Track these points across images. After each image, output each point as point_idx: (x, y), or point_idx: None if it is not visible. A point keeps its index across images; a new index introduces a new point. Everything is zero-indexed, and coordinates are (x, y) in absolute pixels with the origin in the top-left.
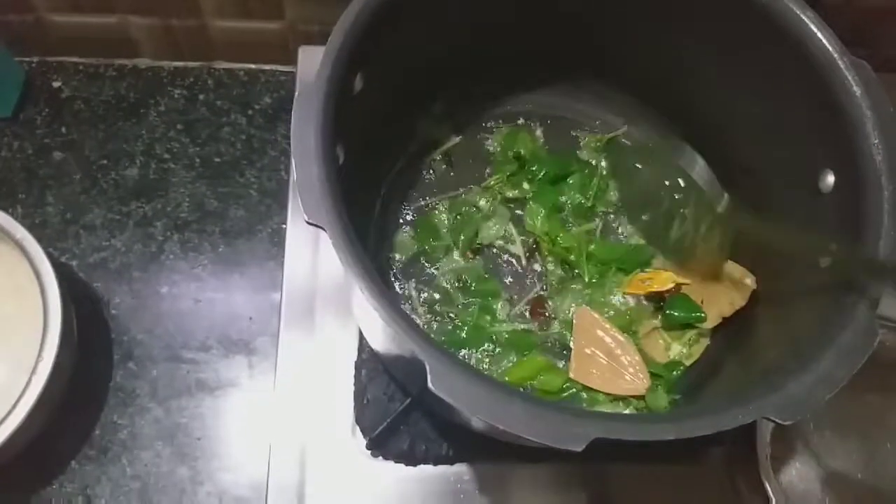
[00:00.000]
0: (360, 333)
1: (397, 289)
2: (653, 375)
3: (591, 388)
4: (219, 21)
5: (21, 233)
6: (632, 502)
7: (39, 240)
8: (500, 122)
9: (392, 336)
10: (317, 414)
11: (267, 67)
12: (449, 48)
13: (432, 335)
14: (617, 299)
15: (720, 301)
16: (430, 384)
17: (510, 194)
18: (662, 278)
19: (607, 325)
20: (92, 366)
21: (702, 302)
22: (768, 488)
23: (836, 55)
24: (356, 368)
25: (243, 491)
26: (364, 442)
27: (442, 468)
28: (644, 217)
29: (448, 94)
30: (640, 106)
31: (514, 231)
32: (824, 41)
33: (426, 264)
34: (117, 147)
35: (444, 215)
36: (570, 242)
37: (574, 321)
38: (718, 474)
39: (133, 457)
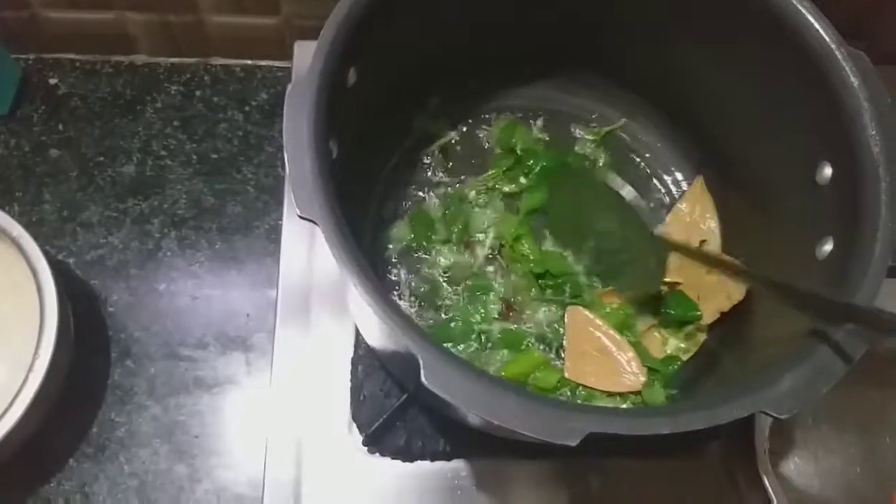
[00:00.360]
0: (356, 329)
1: (391, 279)
2: (649, 371)
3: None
4: (215, 17)
5: (17, 230)
6: (629, 498)
7: (36, 237)
8: (497, 115)
9: (386, 331)
10: (313, 410)
11: (263, 63)
12: (444, 43)
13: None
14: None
15: (717, 296)
16: (423, 379)
17: (506, 189)
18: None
19: (600, 323)
20: (89, 363)
21: (698, 298)
22: (766, 483)
23: (833, 46)
24: (352, 364)
25: (242, 488)
26: (360, 438)
27: (439, 464)
28: (579, 242)
29: (444, 88)
30: (637, 100)
31: (491, 227)
32: (821, 32)
33: (420, 256)
34: (114, 144)
35: (439, 209)
36: (534, 253)
37: (566, 320)
38: (716, 469)
39: (131, 455)
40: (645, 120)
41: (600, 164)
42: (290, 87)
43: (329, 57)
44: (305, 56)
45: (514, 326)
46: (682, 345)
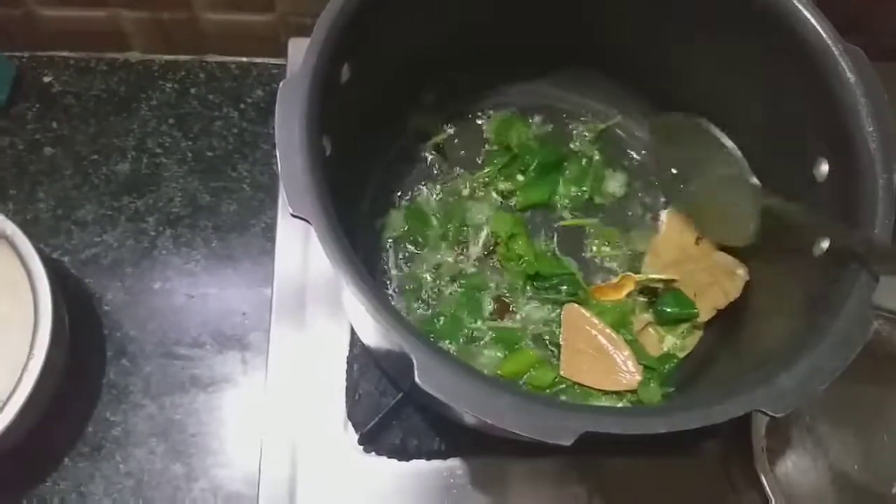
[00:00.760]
0: (352, 328)
1: (384, 273)
2: (646, 369)
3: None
4: (210, 14)
5: (11, 229)
6: (626, 496)
7: (31, 236)
8: (493, 112)
9: (379, 330)
10: (308, 409)
11: (259, 60)
12: (439, 40)
13: (413, 322)
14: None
15: (713, 294)
16: (417, 379)
17: (502, 186)
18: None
19: (595, 321)
20: (85, 362)
21: (694, 295)
22: (764, 481)
23: (830, 42)
24: (348, 363)
25: (238, 487)
26: (356, 437)
27: (435, 463)
28: (688, 187)
29: (439, 85)
30: (633, 95)
31: (486, 224)
32: (819, 28)
33: (414, 251)
34: (108, 142)
35: (435, 205)
36: (528, 253)
37: (562, 317)
38: (714, 467)
39: (127, 454)
40: (641, 116)
41: (595, 159)
42: (282, 84)
43: (322, 53)
44: (300, 53)
45: (507, 325)
46: (679, 342)
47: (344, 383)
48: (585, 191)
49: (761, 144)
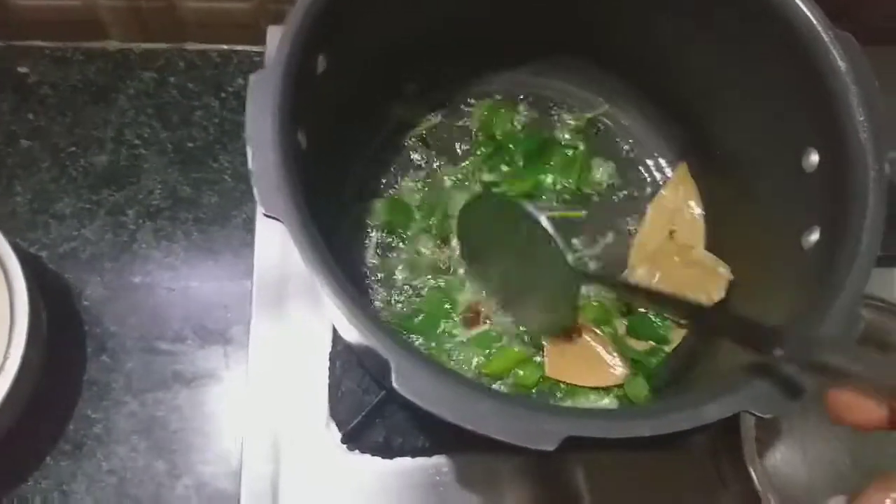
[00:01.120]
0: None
1: (365, 267)
2: (632, 363)
3: None
4: (188, 1)
5: None
6: (614, 489)
7: (7, 231)
8: (478, 101)
9: (356, 333)
10: (290, 407)
11: (239, 48)
12: (420, 28)
13: (392, 318)
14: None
15: (696, 294)
16: (394, 383)
17: (487, 178)
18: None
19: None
20: (64, 359)
21: (675, 295)
22: (753, 474)
23: (820, 28)
24: (330, 360)
25: (223, 484)
26: (339, 435)
27: (420, 460)
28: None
29: (421, 74)
30: (620, 84)
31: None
32: (808, 13)
33: (395, 244)
34: (86, 133)
35: (418, 197)
36: None
37: None
38: (702, 460)
39: (109, 451)
40: (628, 105)
41: (581, 149)
42: (253, 76)
43: (296, 43)
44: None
45: (483, 328)
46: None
47: (326, 380)
48: (572, 182)
49: (748, 133)
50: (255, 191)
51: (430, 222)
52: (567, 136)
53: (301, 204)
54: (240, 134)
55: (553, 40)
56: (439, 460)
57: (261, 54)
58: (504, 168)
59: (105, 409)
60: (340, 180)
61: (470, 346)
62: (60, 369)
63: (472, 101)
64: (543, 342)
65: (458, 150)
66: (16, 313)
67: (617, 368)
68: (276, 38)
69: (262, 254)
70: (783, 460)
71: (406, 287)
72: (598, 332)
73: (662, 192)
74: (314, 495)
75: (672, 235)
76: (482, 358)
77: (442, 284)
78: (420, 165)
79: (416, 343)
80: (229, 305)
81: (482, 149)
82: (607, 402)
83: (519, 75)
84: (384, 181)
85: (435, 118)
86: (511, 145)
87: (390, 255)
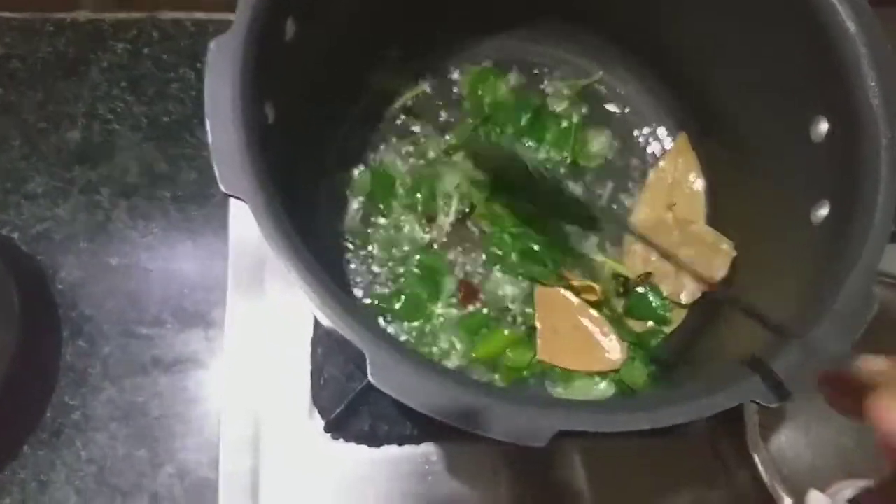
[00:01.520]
0: None
1: (345, 245)
2: (630, 346)
3: None
4: None
5: None
6: (611, 476)
7: None
8: (465, 67)
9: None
10: (271, 394)
11: (216, 16)
12: None
13: (374, 299)
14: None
15: (697, 272)
16: (370, 377)
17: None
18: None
19: (574, 300)
20: (39, 344)
21: (676, 272)
22: (756, 459)
23: None
24: (312, 345)
25: (206, 471)
26: (322, 423)
27: (407, 449)
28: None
29: (404, 39)
30: (616, 49)
31: (457, 189)
32: None
33: (378, 221)
34: (58, 109)
35: (402, 171)
36: (509, 213)
37: (535, 298)
38: (703, 444)
39: (88, 439)
40: (624, 72)
41: (575, 120)
42: (212, 43)
43: (260, 5)
44: None
45: (471, 309)
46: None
47: (308, 366)
48: (567, 155)
49: (754, 101)
50: (214, 167)
51: (416, 198)
52: (560, 105)
53: (266, 182)
54: None
55: (544, 2)
56: (428, 448)
57: None
58: (494, 140)
59: (83, 396)
60: (317, 154)
61: (457, 328)
62: (35, 355)
63: (460, 68)
64: (536, 324)
65: (445, 122)
66: None
67: (613, 352)
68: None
69: (237, 233)
70: (787, 444)
71: (389, 266)
72: (594, 312)
73: (661, 163)
74: (297, 486)
75: (672, 210)
76: (470, 341)
77: (428, 264)
78: (404, 137)
79: (400, 326)
80: (210, 287)
81: (470, 119)
82: (604, 386)
83: (509, 41)
84: (367, 154)
85: (420, 87)
86: (500, 115)
87: (373, 232)
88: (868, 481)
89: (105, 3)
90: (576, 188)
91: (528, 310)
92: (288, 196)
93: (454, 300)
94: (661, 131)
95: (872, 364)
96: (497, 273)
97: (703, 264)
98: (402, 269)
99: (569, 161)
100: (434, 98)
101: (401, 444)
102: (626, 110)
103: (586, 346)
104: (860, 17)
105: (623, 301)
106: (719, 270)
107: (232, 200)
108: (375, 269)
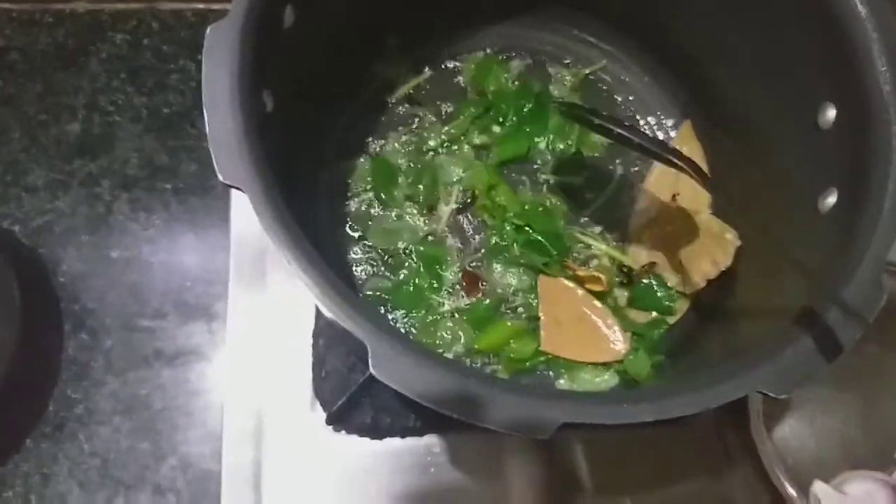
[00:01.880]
0: None
1: (347, 235)
2: (634, 336)
3: None
4: None
5: None
6: (615, 465)
7: None
8: (467, 56)
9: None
10: (273, 386)
11: (216, 6)
12: None
13: (376, 290)
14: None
15: (702, 263)
16: (371, 369)
17: (477, 140)
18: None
19: (577, 290)
20: (41, 338)
21: (680, 263)
22: (760, 449)
23: None
24: (314, 337)
25: (209, 463)
26: (324, 415)
27: (410, 441)
28: None
29: (404, 27)
30: (619, 36)
31: (459, 179)
32: None
33: (379, 212)
34: (57, 101)
35: (403, 161)
36: (512, 203)
37: (539, 289)
38: (707, 434)
39: (90, 432)
40: (628, 59)
41: None
42: (209, 29)
43: None
44: None
45: (474, 299)
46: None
47: (310, 358)
48: (571, 144)
49: (760, 87)
50: (213, 157)
51: (418, 188)
52: (563, 93)
53: (265, 171)
54: None
55: None
56: (430, 440)
57: None
58: (495, 129)
59: (85, 389)
60: (317, 144)
61: (459, 319)
62: (37, 348)
63: (461, 57)
64: (540, 314)
65: (447, 110)
66: None
67: (617, 343)
68: None
69: (238, 224)
70: (791, 433)
71: (390, 257)
72: (597, 302)
73: None
74: (299, 478)
75: (675, 199)
76: (473, 332)
77: (429, 254)
78: (405, 127)
79: (402, 317)
80: (212, 279)
81: (472, 108)
82: (607, 377)
83: (511, 28)
84: (367, 143)
85: (421, 76)
86: (503, 104)
87: (373, 222)
88: (873, 472)
89: None
90: (578, 178)
91: (532, 300)
92: (287, 186)
93: (456, 290)
94: (666, 120)
95: None
96: (499, 264)
97: (708, 254)
98: (403, 260)
99: (572, 150)
100: (435, 87)
101: (403, 436)
102: (630, 98)
103: (590, 336)
104: (872, 1)
105: (625, 292)
106: (724, 260)
107: (233, 192)
108: (376, 259)
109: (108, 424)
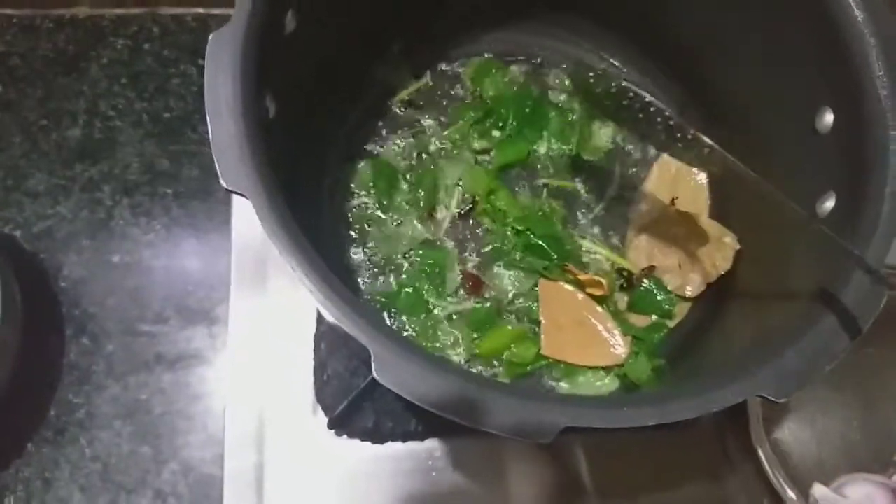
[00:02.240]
0: None
1: (349, 238)
2: (634, 340)
3: None
4: None
5: None
6: (615, 469)
7: None
8: (466, 60)
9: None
10: (275, 390)
11: (216, 11)
12: None
13: (376, 294)
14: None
15: (702, 266)
16: (374, 374)
17: (477, 144)
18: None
19: (577, 294)
20: (43, 343)
21: (679, 266)
22: (760, 452)
23: None
24: (315, 341)
25: (210, 468)
26: (326, 420)
27: (411, 445)
28: None
29: (407, 33)
30: (619, 43)
31: (459, 183)
32: None
33: (380, 215)
34: (58, 105)
35: (404, 165)
36: (512, 207)
37: (539, 293)
38: (707, 437)
39: (92, 437)
40: (625, 63)
41: (579, 112)
42: (211, 36)
43: None
44: None
45: (476, 302)
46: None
47: (311, 362)
48: (571, 148)
49: (758, 91)
50: (216, 163)
51: (419, 192)
52: (563, 97)
53: (268, 177)
54: None
55: None
56: (432, 444)
57: None
58: (495, 133)
59: (87, 394)
60: (319, 149)
61: (460, 323)
62: (39, 353)
63: (462, 61)
64: (541, 319)
65: (448, 115)
66: None
67: (618, 347)
68: None
69: (240, 228)
70: (792, 437)
71: (391, 261)
72: (597, 307)
73: (664, 156)
74: (301, 482)
75: (674, 203)
76: (473, 337)
77: (430, 258)
78: (407, 131)
79: (402, 321)
80: (213, 284)
81: (472, 113)
82: (607, 381)
83: (511, 33)
84: (369, 148)
85: (421, 80)
86: (503, 109)
87: (375, 226)
88: (872, 475)
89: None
90: (577, 182)
91: (532, 304)
92: (290, 191)
93: (458, 294)
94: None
95: None
96: (499, 268)
97: (707, 258)
98: (404, 264)
99: (573, 154)
100: (435, 92)
101: (405, 440)
102: (630, 95)
103: (591, 340)
104: (870, 4)
105: (625, 295)
106: (723, 264)
107: (235, 197)
108: (376, 263)
109: (110, 429)
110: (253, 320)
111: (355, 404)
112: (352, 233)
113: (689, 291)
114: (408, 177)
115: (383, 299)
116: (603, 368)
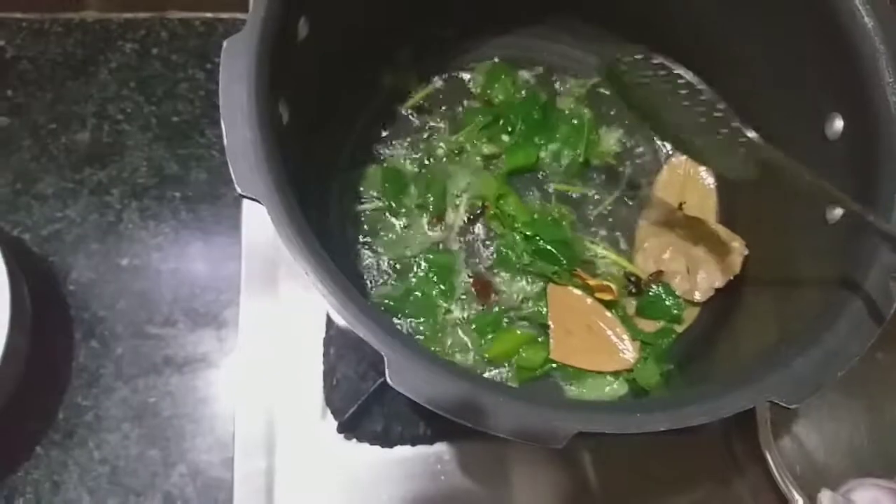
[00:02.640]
0: None
1: (359, 243)
2: (642, 345)
3: None
4: None
5: None
6: (624, 473)
7: None
8: (475, 65)
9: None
10: (284, 395)
11: (225, 16)
12: None
13: (385, 298)
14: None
15: (709, 270)
16: (388, 379)
17: (486, 150)
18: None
19: (586, 298)
20: (52, 345)
21: (688, 271)
22: (768, 457)
23: None
24: (325, 345)
25: (218, 471)
26: (335, 424)
27: (420, 449)
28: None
29: (415, 39)
30: (627, 44)
31: (468, 188)
32: None
33: (390, 220)
34: (67, 109)
35: (413, 171)
36: (521, 212)
37: (548, 298)
38: (715, 441)
39: (100, 440)
40: None
41: (588, 117)
42: (226, 43)
43: (272, 4)
44: None
45: (484, 307)
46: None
47: (321, 367)
48: (580, 153)
49: (766, 98)
50: (231, 170)
51: (428, 197)
52: (570, 103)
53: (282, 182)
54: None
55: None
56: (441, 448)
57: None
58: (504, 138)
59: (95, 397)
60: (330, 154)
61: (468, 328)
62: (48, 356)
63: (471, 66)
64: (549, 323)
65: (456, 120)
66: None
67: (626, 352)
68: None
69: (250, 232)
70: (800, 442)
71: (400, 265)
72: (606, 312)
73: (673, 159)
74: (310, 485)
75: (682, 208)
76: (481, 341)
77: (439, 262)
78: (416, 136)
79: (411, 325)
80: (221, 287)
81: (480, 117)
82: (616, 386)
83: (519, 39)
84: (378, 153)
85: (431, 86)
86: (511, 114)
87: (384, 230)
88: (880, 480)
89: (112, 3)
90: (586, 187)
91: (541, 309)
92: (301, 196)
93: (465, 299)
94: None
95: None
96: (508, 273)
97: (716, 262)
98: (413, 268)
99: (580, 159)
100: (444, 96)
101: (414, 444)
102: None
103: (599, 345)
104: (878, 11)
105: (634, 300)
106: (732, 269)
107: (245, 201)
108: (385, 267)
109: (118, 431)
110: (262, 324)
111: (364, 408)
112: (360, 237)
113: (698, 296)
114: (416, 181)
115: (391, 303)
116: (612, 373)
